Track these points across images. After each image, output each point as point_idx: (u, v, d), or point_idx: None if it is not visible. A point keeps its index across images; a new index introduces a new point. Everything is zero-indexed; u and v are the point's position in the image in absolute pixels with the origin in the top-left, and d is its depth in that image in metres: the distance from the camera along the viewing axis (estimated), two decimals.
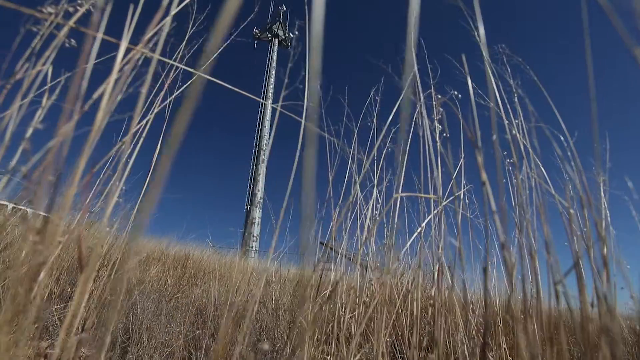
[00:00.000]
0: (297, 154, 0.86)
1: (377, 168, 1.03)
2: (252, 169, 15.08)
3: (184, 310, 3.14)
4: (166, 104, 0.70)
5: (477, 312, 1.18)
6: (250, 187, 14.79)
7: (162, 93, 0.62)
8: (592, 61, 0.63)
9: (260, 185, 14.63)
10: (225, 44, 0.96)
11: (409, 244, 0.90)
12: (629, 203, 1.00)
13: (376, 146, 1.03)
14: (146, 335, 2.35)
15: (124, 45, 0.45)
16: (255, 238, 13.86)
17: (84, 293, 0.41)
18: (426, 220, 0.89)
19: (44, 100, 0.63)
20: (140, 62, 0.64)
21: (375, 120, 1.27)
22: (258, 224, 14.16)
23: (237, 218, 15.04)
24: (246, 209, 14.52)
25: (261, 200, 14.48)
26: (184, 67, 0.63)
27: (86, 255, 0.38)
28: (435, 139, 0.80)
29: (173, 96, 0.70)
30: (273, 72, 17.34)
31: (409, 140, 1.04)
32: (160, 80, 0.73)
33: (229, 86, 0.89)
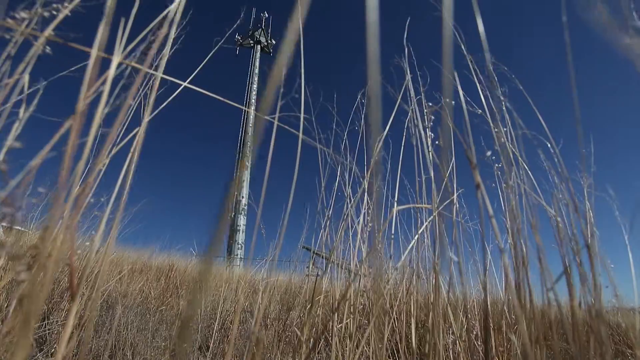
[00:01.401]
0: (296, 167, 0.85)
1: (367, 173, 1.04)
2: (236, 175, 14.89)
3: (170, 323, 3.05)
4: (154, 115, 0.68)
5: (471, 316, 1.20)
6: (234, 194, 14.58)
7: (151, 104, 0.59)
8: (573, 64, 0.65)
9: (245, 191, 14.47)
10: (212, 53, 0.94)
11: (406, 253, 0.91)
12: (612, 203, 1.05)
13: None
14: (130, 351, 2.26)
15: (116, 60, 0.43)
16: (240, 245, 13.67)
17: (74, 319, 0.39)
18: (420, 230, 0.90)
19: (21, 111, 0.59)
20: (127, 72, 0.62)
21: (362, 124, 1.28)
22: (242, 231, 13.98)
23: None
24: (230, 216, 14.30)
25: (245, 207, 14.32)
26: (172, 79, 0.61)
27: (77, 284, 0.36)
28: (427, 146, 0.82)
29: (162, 106, 0.68)
30: (256, 79, 17.29)
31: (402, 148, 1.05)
32: (143, 91, 0.70)
33: (215, 96, 0.88)
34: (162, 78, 0.74)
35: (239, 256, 13.32)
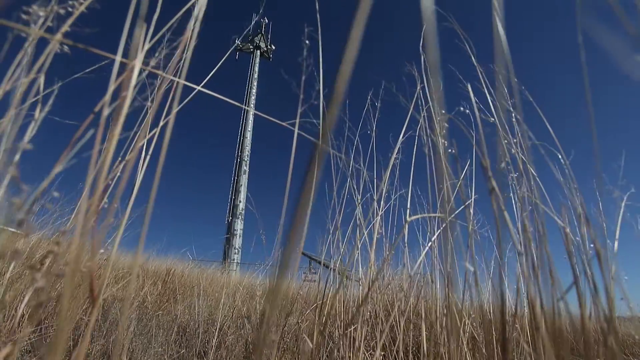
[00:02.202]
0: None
1: (385, 182, 1.04)
2: (234, 179, 14.89)
3: (167, 328, 3.01)
4: (169, 118, 0.67)
5: (476, 324, 1.20)
6: (231, 199, 14.55)
7: (167, 107, 0.59)
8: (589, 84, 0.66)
9: (242, 196, 14.42)
10: (224, 59, 0.94)
11: (420, 260, 0.90)
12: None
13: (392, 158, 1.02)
14: (127, 357, 2.23)
15: (137, 66, 0.43)
16: (237, 250, 13.58)
17: (93, 324, 0.38)
18: (434, 237, 0.90)
19: (37, 112, 0.59)
20: (145, 75, 0.62)
21: (374, 129, 1.28)
22: (240, 236, 13.91)
23: (218, 230, 14.72)
24: (228, 220, 14.25)
25: (243, 212, 14.26)
26: (189, 84, 0.61)
27: (97, 291, 0.35)
28: (441, 154, 0.82)
29: (176, 109, 0.68)
30: (255, 84, 17.35)
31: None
32: (153, 92, 0.70)
33: (227, 99, 0.88)
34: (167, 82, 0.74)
35: (235, 261, 13.23)
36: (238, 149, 15.58)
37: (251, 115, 16.11)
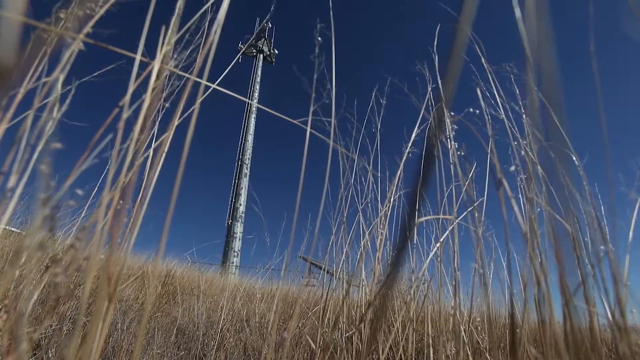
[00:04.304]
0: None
1: (395, 185, 1.03)
2: (235, 182, 14.89)
3: (166, 330, 2.99)
4: (185, 116, 0.67)
5: (481, 328, 1.19)
6: (232, 201, 14.54)
7: (181, 105, 0.59)
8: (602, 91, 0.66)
9: (243, 198, 14.41)
10: (234, 61, 0.95)
11: (426, 263, 0.90)
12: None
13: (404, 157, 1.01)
14: (126, 358, 2.21)
15: (157, 66, 0.43)
16: (236, 253, 13.54)
17: (109, 321, 0.38)
18: (442, 238, 0.90)
19: (55, 111, 0.59)
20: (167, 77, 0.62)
21: (379, 126, 1.27)
22: (239, 239, 13.87)
23: (218, 233, 14.67)
24: (227, 223, 14.22)
25: (243, 215, 14.24)
26: (208, 84, 0.61)
27: (114, 286, 0.35)
28: (450, 157, 0.82)
29: (192, 108, 0.68)
30: (257, 87, 17.42)
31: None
32: (174, 91, 0.70)
33: (236, 95, 0.88)
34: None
35: (234, 264, 13.18)
36: (239, 151, 15.61)
37: (253, 119, 16.16)
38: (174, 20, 0.56)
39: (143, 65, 0.53)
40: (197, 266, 5.83)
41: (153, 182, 0.59)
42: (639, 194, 0.87)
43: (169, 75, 0.72)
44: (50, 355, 1.90)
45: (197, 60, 0.45)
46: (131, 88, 0.42)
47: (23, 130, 0.53)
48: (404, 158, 0.81)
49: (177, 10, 0.52)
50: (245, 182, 14.77)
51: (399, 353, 1.15)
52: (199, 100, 0.47)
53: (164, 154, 0.56)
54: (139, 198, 0.58)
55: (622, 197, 0.90)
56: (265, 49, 18.70)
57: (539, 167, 0.72)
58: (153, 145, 0.54)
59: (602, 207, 0.89)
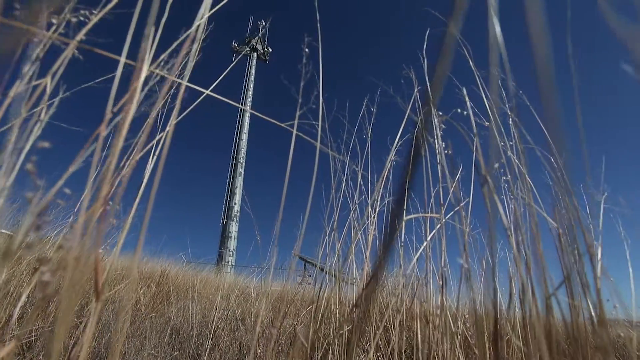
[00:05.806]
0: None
1: (381, 182, 1.05)
2: (229, 182, 14.84)
3: (160, 330, 2.98)
4: (176, 122, 0.68)
5: (470, 324, 1.21)
6: (226, 201, 14.49)
7: (176, 110, 0.60)
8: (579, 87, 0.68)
9: (237, 198, 14.37)
10: (232, 65, 0.96)
11: (415, 259, 0.92)
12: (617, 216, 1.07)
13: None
14: (120, 359, 2.21)
15: (145, 69, 0.44)
16: (231, 252, 13.51)
17: (96, 320, 0.38)
18: (429, 237, 0.92)
19: (42, 113, 0.59)
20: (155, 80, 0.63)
21: (370, 132, 1.29)
22: (234, 238, 13.84)
23: (213, 233, 14.61)
24: (222, 222, 14.18)
25: (238, 214, 14.20)
26: (195, 87, 0.62)
27: (102, 286, 0.36)
28: (437, 156, 0.84)
29: (185, 113, 0.68)
30: (251, 86, 17.35)
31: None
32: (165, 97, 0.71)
33: (229, 101, 0.89)
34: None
35: (229, 263, 13.16)
36: (233, 151, 15.55)
37: (247, 118, 16.11)
38: (163, 23, 0.57)
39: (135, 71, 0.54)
40: (192, 266, 5.81)
41: (143, 184, 0.59)
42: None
43: (159, 79, 0.73)
44: (41, 357, 1.90)
45: (176, 63, 0.45)
46: (113, 92, 0.43)
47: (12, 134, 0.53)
48: (391, 157, 0.83)
49: (166, 13, 0.53)
50: (239, 181, 14.73)
51: (391, 346, 1.17)
52: (178, 106, 0.47)
53: (152, 160, 0.57)
54: (136, 201, 0.59)
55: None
56: (259, 47, 18.62)
57: (523, 167, 0.74)
58: (140, 153, 0.55)
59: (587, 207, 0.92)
